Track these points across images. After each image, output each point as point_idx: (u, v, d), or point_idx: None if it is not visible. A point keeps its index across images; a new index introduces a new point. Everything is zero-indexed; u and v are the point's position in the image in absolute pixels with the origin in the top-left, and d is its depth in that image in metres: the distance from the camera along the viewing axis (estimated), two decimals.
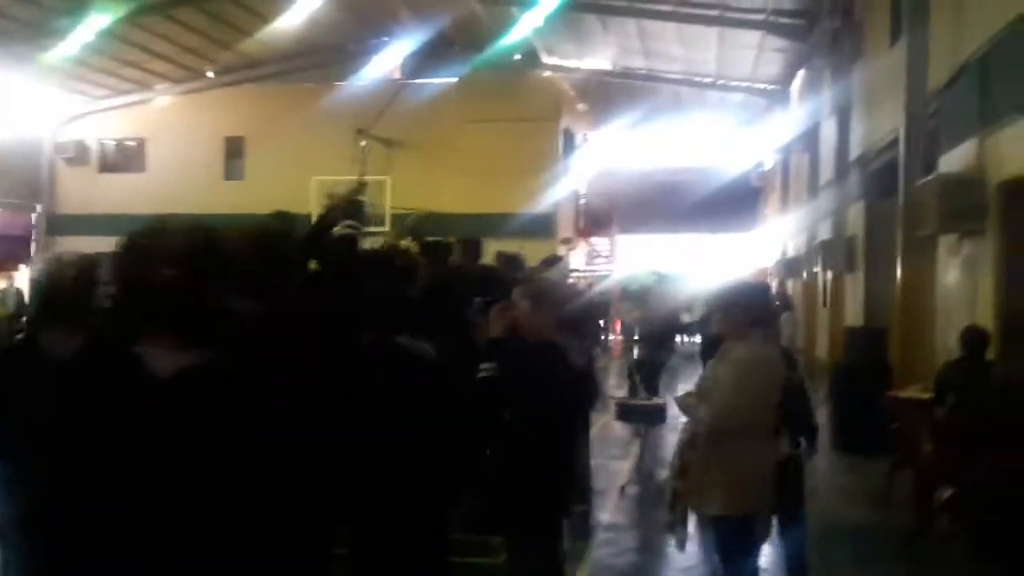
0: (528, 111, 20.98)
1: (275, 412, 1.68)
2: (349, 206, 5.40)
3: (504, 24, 17.64)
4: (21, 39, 16.56)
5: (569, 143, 23.23)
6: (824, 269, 15.82)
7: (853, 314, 13.27)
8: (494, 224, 20.78)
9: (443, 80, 21.12)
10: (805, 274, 18.41)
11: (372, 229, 18.96)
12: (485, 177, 20.68)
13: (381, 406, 2.48)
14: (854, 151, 13.28)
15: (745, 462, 3.67)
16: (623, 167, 28.29)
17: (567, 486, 3.74)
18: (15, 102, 20.42)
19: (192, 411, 1.59)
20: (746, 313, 3.79)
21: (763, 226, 26.61)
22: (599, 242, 27.37)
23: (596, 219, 26.27)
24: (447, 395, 2.73)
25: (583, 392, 4.00)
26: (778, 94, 20.50)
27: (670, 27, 17.49)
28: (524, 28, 17.41)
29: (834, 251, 14.30)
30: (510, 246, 19.33)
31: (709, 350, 7.86)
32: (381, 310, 2.70)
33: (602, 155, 27.24)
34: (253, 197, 21.06)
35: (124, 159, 23.43)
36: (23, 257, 20.66)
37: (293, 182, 19.83)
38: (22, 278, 17.91)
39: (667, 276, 15.79)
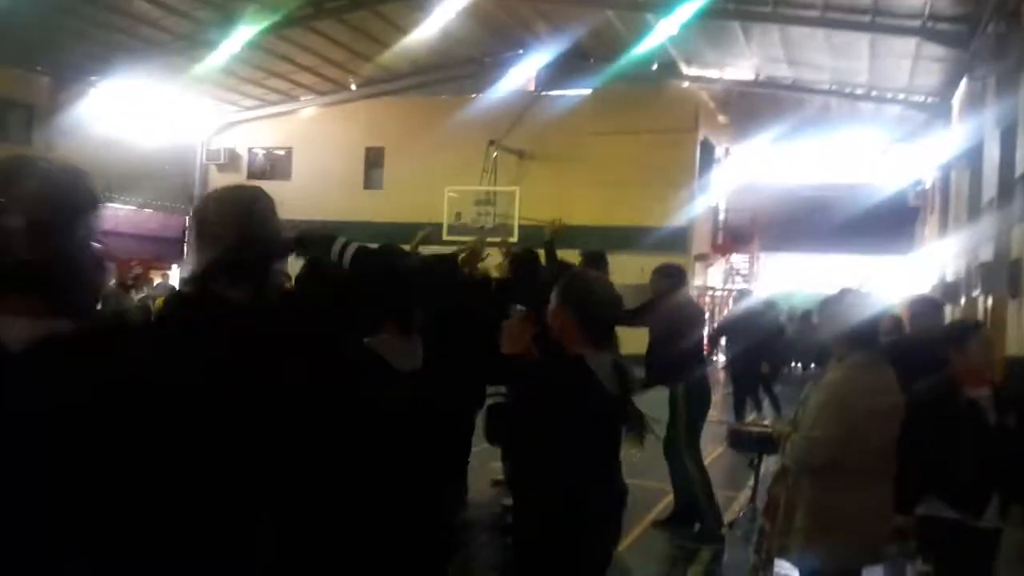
0: (664, 122, 20.37)
1: (147, 409, 1.35)
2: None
3: (639, 34, 17.16)
4: (175, 51, 17.52)
5: (708, 156, 22.42)
6: (984, 294, 14.42)
7: (1016, 342, 12.03)
8: (625, 238, 20.29)
9: (577, 92, 20.85)
10: (963, 300, 16.89)
11: (498, 239, 18.98)
12: (617, 189, 20.23)
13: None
14: (1020, 167, 12.02)
15: (834, 507, 3.12)
16: (767, 182, 27.04)
17: None
18: (170, 110, 21.71)
19: (40, 389, 1.29)
20: (849, 328, 3.27)
21: (920, 248, 24.77)
22: (738, 260, 26.24)
23: (736, 236, 25.23)
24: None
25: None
26: (937, 107, 18.96)
27: (817, 34, 16.50)
28: (659, 37, 16.85)
29: (995, 274, 12.99)
30: (641, 261, 18.95)
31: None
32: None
33: (745, 169, 26.17)
34: (391, 205, 21.61)
35: (271, 167, 24.48)
36: (175, 257, 21.87)
37: (428, 191, 20.15)
38: (174, 277, 18.93)
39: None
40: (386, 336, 2.28)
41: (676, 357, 6.02)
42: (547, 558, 2.42)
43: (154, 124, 21.44)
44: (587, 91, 20.79)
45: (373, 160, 23.59)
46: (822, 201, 25.49)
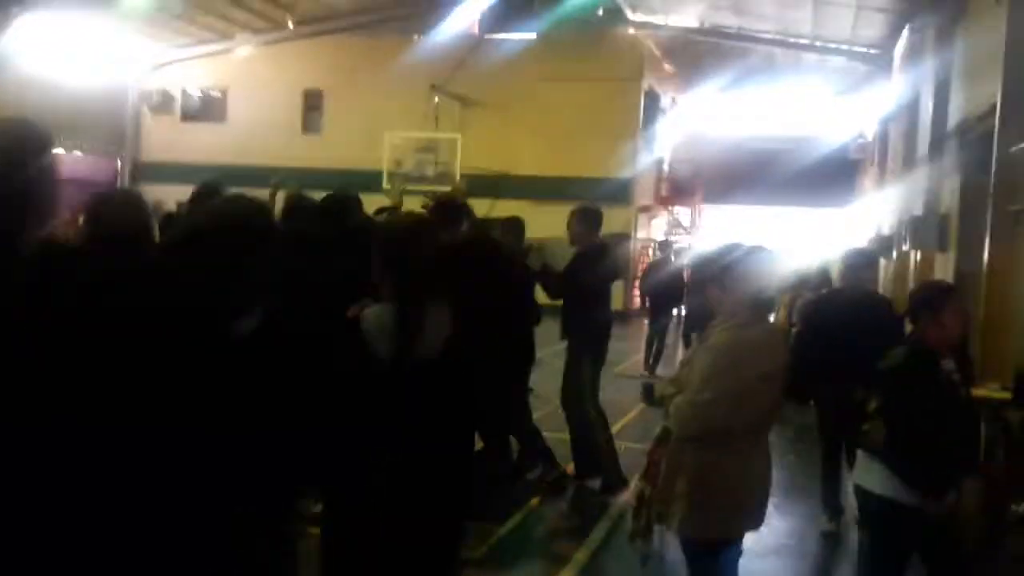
0: (609, 70, 20.11)
1: None
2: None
3: None
4: None
5: (653, 105, 22.24)
6: (913, 247, 14.63)
7: None
8: (569, 188, 20.11)
9: (522, 36, 20.43)
10: (895, 253, 17.15)
11: (441, 188, 18.68)
12: (562, 139, 20.00)
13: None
14: (952, 121, 12.09)
15: (718, 473, 2.98)
16: (711, 134, 27.04)
17: None
18: (100, 48, 20.75)
19: None
20: (732, 284, 3.06)
21: (859, 201, 25.08)
22: (681, 212, 26.28)
23: (679, 188, 25.19)
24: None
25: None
26: (879, 59, 18.99)
27: None
28: None
29: (925, 229, 13.13)
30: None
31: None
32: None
33: (689, 120, 26.10)
34: (330, 151, 21.08)
35: (206, 108, 23.67)
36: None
37: (368, 137, 19.69)
38: None
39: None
40: None
41: (575, 305, 5.96)
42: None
43: (83, 62, 20.47)
44: (531, 36, 20.38)
45: (312, 103, 22.94)
46: (766, 153, 25.60)
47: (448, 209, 5.83)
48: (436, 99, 19.84)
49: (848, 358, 4.30)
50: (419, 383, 2.43)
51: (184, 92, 23.62)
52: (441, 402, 2.46)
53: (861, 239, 23.01)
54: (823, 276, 9.56)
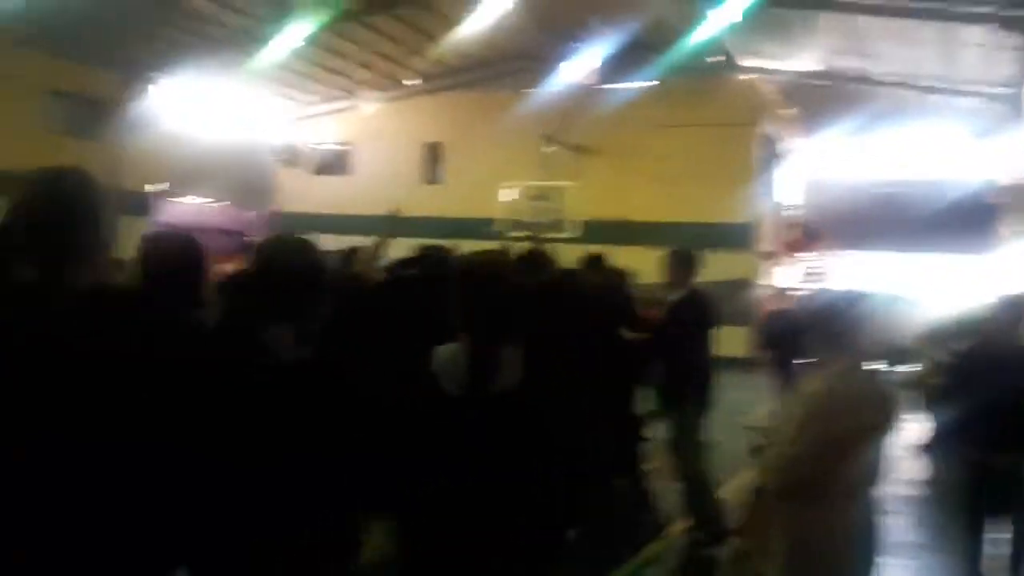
0: (724, 116, 19.87)
1: None
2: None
3: (695, 25, 16.75)
4: (234, 47, 17.87)
5: (771, 150, 21.77)
6: None
7: None
8: (686, 234, 19.85)
9: (636, 85, 20.48)
10: None
11: (554, 235, 18.82)
12: (677, 185, 19.84)
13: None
14: None
15: (810, 533, 2.80)
16: (838, 178, 26.13)
17: None
18: (234, 107, 22.15)
19: None
20: (829, 332, 2.98)
21: (1001, 247, 23.59)
22: (810, 258, 25.39)
23: (806, 233, 24.38)
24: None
25: None
26: (1014, 99, 18.02)
27: (887, 23, 15.85)
28: (714, 27, 16.39)
29: None
30: (703, 259, 18.50)
31: None
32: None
33: (813, 165, 25.34)
34: (450, 200, 21.66)
35: (333, 162, 24.80)
36: (240, 251, 22.26)
37: (485, 186, 20.15)
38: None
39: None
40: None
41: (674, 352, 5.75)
42: None
43: (219, 120, 21.92)
44: (646, 84, 20.42)
45: (432, 155, 23.68)
46: (896, 198, 24.50)
47: (532, 255, 5.86)
48: (550, 148, 20.08)
49: (995, 418, 4.03)
50: (489, 419, 2.42)
51: (312, 147, 24.84)
52: (512, 438, 2.43)
53: (1010, 288, 21.57)
54: (967, 327, 8.95)
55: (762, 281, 21.37)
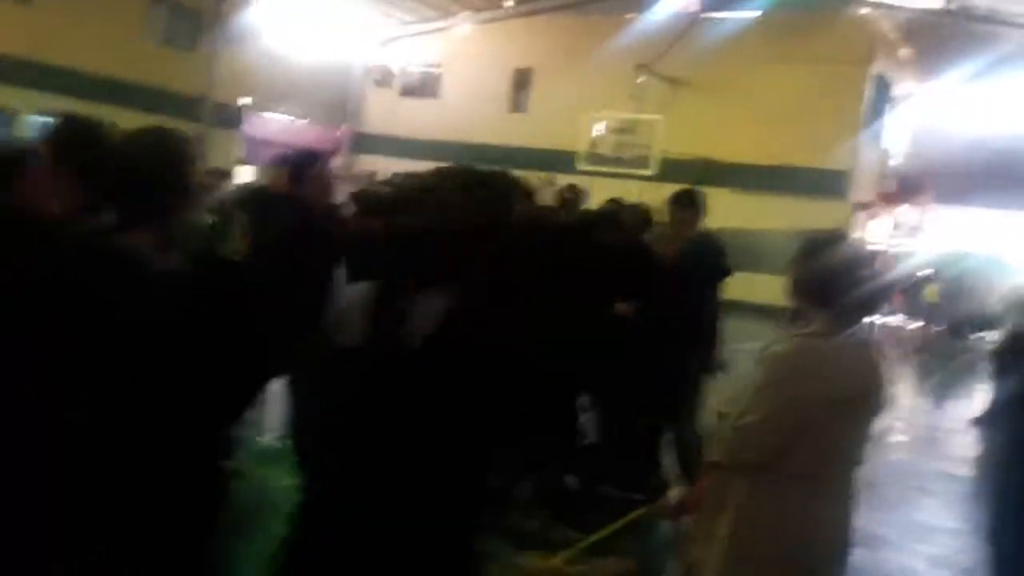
0: (836, 53, 18.62)
1: None
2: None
3: None
4: None
5: (883, 93, 20.41)
6: None
7: None
8: (778, 178, 18.95)
9: (741, 15, 19.36)
10: None
11: (637, 172, 18.18)
12: (775, 125, 18.81)
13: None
14: None
15: (761, 518, 2.33)
16: (951, 128, 24.46)
17: None
18: (329, 24, 21.95)
19: None
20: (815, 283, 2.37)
21: None
22: (906, 212, 24.06)
23: (907, 185, 23.06)
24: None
25: None
26: None
27: None
28: None
29: None
30: (792, 206, 17.63)
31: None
32: None
33: (927, 111, 23.76)
34: (534, 130, 21.13)
35: (422, 85, 24.49)
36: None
37: (571, 117, 19.49)
38: None
39: None
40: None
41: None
42: None
43: (313, 37, 21.80)
44: (751, 15, 19.29)
45: (521, 81, 23.08)
46: (1013, 153, 22.83)
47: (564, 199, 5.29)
48: (642, 79, 19.26)
49: None
50: (398, 374, 2.01)
51: (404, 68, 24.56)
52: (426, 398, 1.98)
53: None
54: None
55: (854, 234, 20.31)
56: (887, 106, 21.06)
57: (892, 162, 22.75)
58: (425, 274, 2.03)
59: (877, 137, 20.92)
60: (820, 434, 2.32)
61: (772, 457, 2.29)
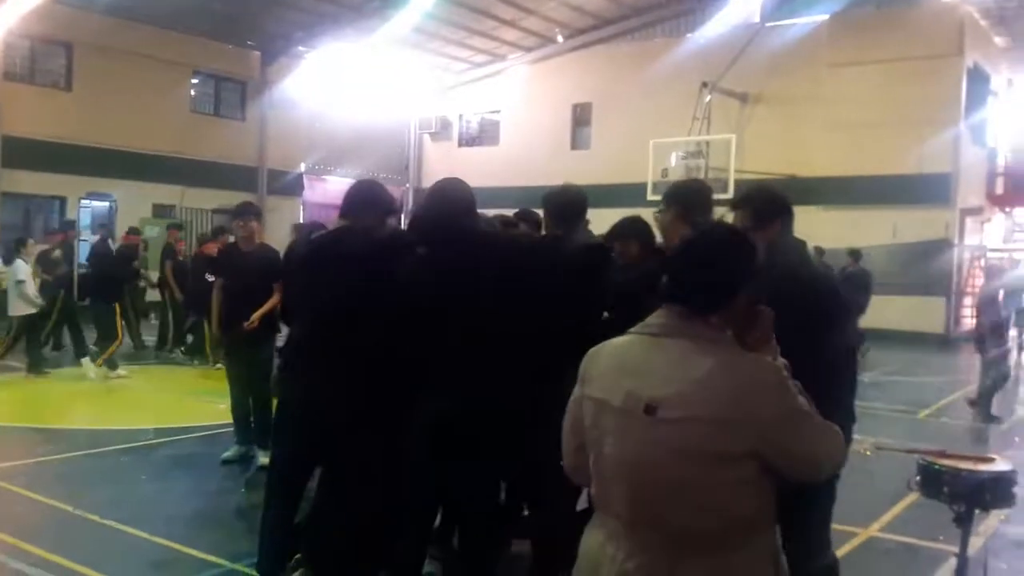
0: (919, 47, 16.90)
1: None
2: None
3: None
4: (371, 13, 17.15)
5: (979, 86, 18.42)
6: None
7: None
8: (872, 189, 17.23)
9: (810, 19, 17.89)
10: None
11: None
12: (861, 132, 17.15)
13: None
14: None
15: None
16: None
17: None
18: (379, 79, 21.47)
19: None
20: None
21: None
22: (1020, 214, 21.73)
23: (1020, 184, 20.80)
24: None
25: None
26: None
27: None
28: None
29: None
30: (892, 217, 15.91)
31: None
32: None
33: None
34: (597, 166, 19.93)
35: (481, 132, 23.80)
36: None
37: (635, 147, 18.27)
38: None
39: None
40: None
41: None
42: None
43: (364, 94, 21.36)
44: (822, 17, 17.80)
45: (580, 118, 22.05)
46: None
47: None
48: (708, 98, 17.93)
49: None
50: None
51: (461, 117, 23.91)
52: None
53: None
54: None
55: (965, 240, 18.23)
56: (987, 100, 19.03)
57: (1000, 160, 20.56)
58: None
59: (979, 135, 18.89)
60: (605, 449, 1.96)
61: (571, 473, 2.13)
